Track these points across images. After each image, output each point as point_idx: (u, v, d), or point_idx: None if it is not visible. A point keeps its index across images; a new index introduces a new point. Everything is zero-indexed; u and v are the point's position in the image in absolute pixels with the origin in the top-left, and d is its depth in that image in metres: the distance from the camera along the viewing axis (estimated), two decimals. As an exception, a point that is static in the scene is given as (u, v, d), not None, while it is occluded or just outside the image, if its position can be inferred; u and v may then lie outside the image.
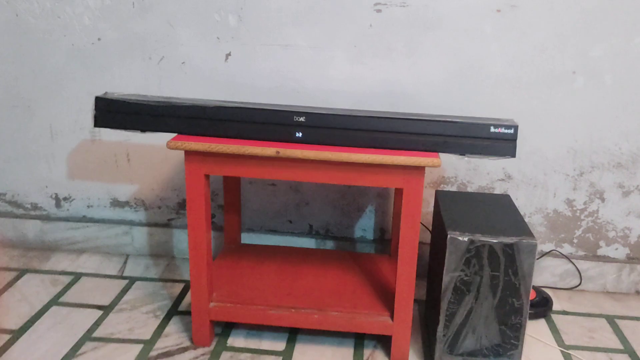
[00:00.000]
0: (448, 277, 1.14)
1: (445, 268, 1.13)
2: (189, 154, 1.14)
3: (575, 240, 1.55)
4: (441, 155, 1.48)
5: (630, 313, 1.48)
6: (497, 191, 1.53)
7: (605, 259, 1.55)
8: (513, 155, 1.10)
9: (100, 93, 1.55)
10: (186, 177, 1.16)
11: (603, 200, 1.51)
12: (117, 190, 1.65)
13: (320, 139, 1.14)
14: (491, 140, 1.10)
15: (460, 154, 1.12)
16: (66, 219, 1.68)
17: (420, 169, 1.11)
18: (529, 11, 1.38)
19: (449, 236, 1.11)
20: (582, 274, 1.56)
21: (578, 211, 1.52)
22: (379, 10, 1.41)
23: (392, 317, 1.24)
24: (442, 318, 1.17)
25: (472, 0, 1.38)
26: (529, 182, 1.51)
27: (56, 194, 1.67)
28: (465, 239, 1.10)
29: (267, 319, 1.26)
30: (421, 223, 1.53)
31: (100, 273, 1.59)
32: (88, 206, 1.67)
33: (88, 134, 1.60)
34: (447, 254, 1.12)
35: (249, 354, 1.27)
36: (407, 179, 1.12)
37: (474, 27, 1.40)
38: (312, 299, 1.30)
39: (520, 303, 1.14)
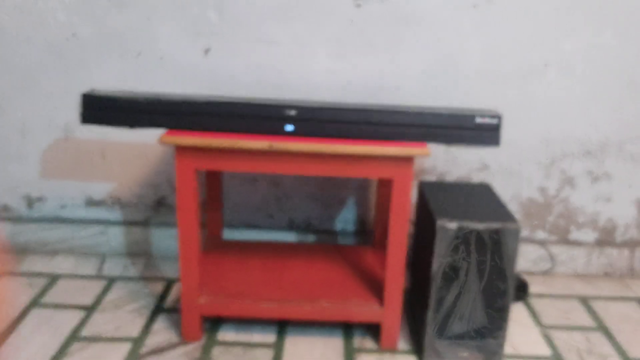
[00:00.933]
0: (437, 263, 1.17)
1: (434, 255, 1.16)
2: (180, 149, 1.14)
3: (547, 226, 1.62)
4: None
5: (601, 293, 1.56)
6: (474, 180, 1.58)
7: (576, 243, 1.63)
8: (497, 144, 1.14)
9: (76, 89, 1.51)
10: (177, 172, 1.16)
11: (573, 186, 1.58)
12: (92, 188, 1.62)
13: (311, 132, 1.15)
14: (476, 130, 1.14)
15: (447, 144, 1.15)
16: (38, 220, 1.64)
17: (409, 159, 1.14)
18: (504, 7, 1.43)
19: (437, 224, 1.14)
20: (554, 259, 1.63)
21: (550, 198, 1.59)
22: (358, 6, 1.43)
23: (381, 304, 1.27)
24: (431, 303, 1.20)
25: (449, -5, 1.43)
26: (504, 171, 1.57)
27: (28, 195, 1.62)
28: (454, 226, 1.14)
29: (258, 312, 1.27)
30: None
31: (77, 274, 1.56)
32: (61, 206, 1.63)
33: (61, 132, 1.56)
34: (436, 241, 1.15)
35: (240, 347, 1.28)
36: (397, 169, 1.14)
37: (452, 21, 1.44)
38: (302, 291, 1.31)
39: (505, 286, 1.18)
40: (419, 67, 1.48)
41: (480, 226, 1.14)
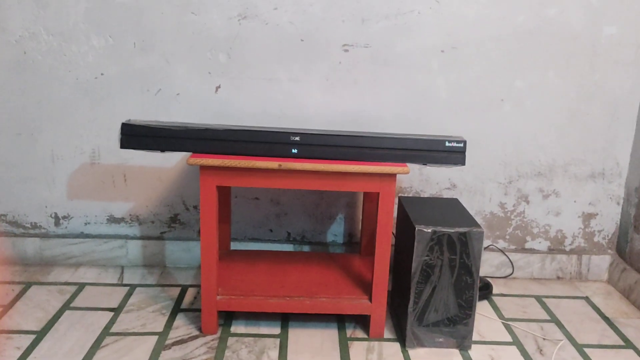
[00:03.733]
0: (416, 262, 1.43)
1: (414, 255, 1.42)
2: (204, 168, 1.38)
3: (507, 237, 1.89)
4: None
5: (553, 293, 1.83)
6: (445, 197, 1.84)
7: (531, 251, 1.90)
8: (463, 163, 1.42)
9: (101, 121, 1.75)
10: (201, 189, 1.40)
11: (528, 202, 1.86)
12: (114, 207, 1.84)
13: (312, 154, 1.41)
14: (446, 152, 1.42)
15: (423, 164, 1.42)
16: (64, 236, 1.85)
17: (392, 176, 1.40)
18: (466, 51, 1.72)
19: (416, 229, 1.40)
20: (513, 264, 1.90)
21: (509, 212, 1.87)
22: (346, 50, 1.71)
23: (370, 299, 1.51)
24: (412, 295, 1.45)
25: (422, 42, 1.71)
26: (470, 190, 1.84)
27: (55, 213, 1.84)
28: (429, 230, 1.40)
29: (266, 307, 1.50)
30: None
31: (101, 282, 1.77)
32: (85, 223, 1.85)
33: (88, 158, 1.79)
34: (415, 243, 1.41)
35: (251, 338, 1.50)
36: (383, 184, 1.41)
37: (423, 63, 1.73)
38: (302, 289, 1.55)
39: (472, 280, 1.44)
40: (396, 100, 1.75)
41: (451, 230, 1.40)
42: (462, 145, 1.42)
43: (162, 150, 1.41)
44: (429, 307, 1.46)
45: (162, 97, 1.74)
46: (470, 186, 1.84)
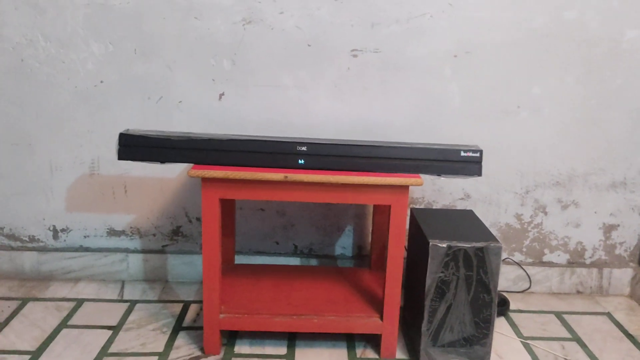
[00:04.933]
0: (430, 279, 1.35)
1: (428, 271, 1.34)
2: (205, 180, 1.31)
3: (524, 249, 1.81)
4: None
5: (574, 309, 1.74)
6: (459, 208, 1.77)
7: (550, 264, 1.82)
8: (479, 174, 1.34)
9: (101, 130, 1.69)
10: (202, 202, 1.33)
11: (546, 213, 1.78)
12: (114, 220, 1.77)
13: (320, 165, 1.34)
14: (462, 162, 1.34)
15: (437, 175, 1.34)
16: (63, 249, 1.78)
17: (405, 188, 1.33)
18: (480, 56, 1.65)
19: (430, 243, 1.32)
20: (531, 278, 1.81)
21: (525, 224, 1.79)
22: (355, 55, 1.64)
23: (381, 317, 1.43)
24: (426, 314, 1.37)
25: (434, 46, 1.64)
26: (484, 200, 1.76)
27: (54, 226, 1.77)
28: (444, 245, 1.32)
29: (272, 326, 1.42)
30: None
31: (100, 298, 1.70)
32: (85, 236, 1.78)
33: (87, 168, 1.73)
34: (429, 259, 1.33)
35: (255, 359, 1.42)
36: (395, 196, 1.33)
37: (436, 69, 1.65)
38: (310, 307, 1.47)
39: (490, 298, 1.36)
40: (408, 107, 1.68)
41: (467, 245, 1.32)
42: (478, 154, 1.34)
43: (162, 162, 1.34)
44: (443, 326, 1.38)
45: (164, 106, 1.68)
46: (485, 196, 1.76)
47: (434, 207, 1.76)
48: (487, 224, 1.78)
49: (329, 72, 1.65)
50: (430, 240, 1.33)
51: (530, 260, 1.82)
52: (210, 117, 1.68)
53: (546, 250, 1.81)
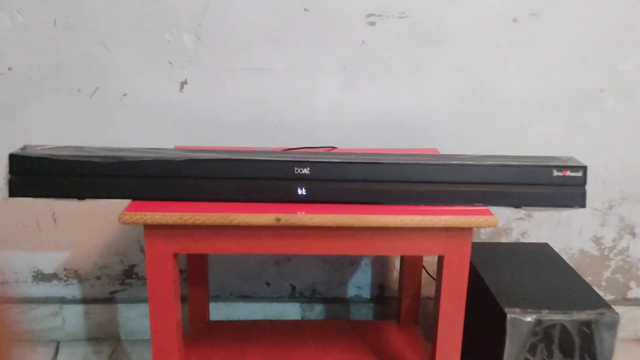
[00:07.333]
0: (506, 366, 0.87)
1: (504, 354, 0.86)
2: (150, 228, 0.82)
3: (603, 282, 1.36)
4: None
5: (674, 364, 1.29)
6: (515, 231, 1.31)
7: (637, 302, 1.37)
8: (583, 205, 0.86)
9: (11, 138, 1.19)
10: (147, 258, 0.84)
11: (634, 235, 1.32)
12: (41, 260, 1.31)
13: (329, 196, 0.85)
14: (554, 186, 0.86)
15: (516, 207, 0.86)
16: (-27, 301, 1.31)
17: (466, 230, 0.84)
18: (551, 20, 1.17)
19: (508, 316, 0.85)
20: (612, 321, 1.36)
21: (606, 249, 1.33)
22: (372, 23, 1.15)
23: (426, 415, 0.97)
24: (498, 417, 0.90)
25: (484, 8, 1.16)
26: (550, 220, 1.30)
27: (-42, 270, 1.29)
28: (530, 318, 0.85)
29: None
30: (425, 270, 1.26)
31: (24, 371, 1.23)
32: (2, 283, 1.30)
33: (-1, 190, 1.23)
34: (507, 340, 0.86)
35: None
36: (450, 243, 0.85)
37: (487, 40, 1.18)
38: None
39: (595, 391, 0.89)
40: (448, 98, 1.20)
41: (565, 317, 0.85)
42: (580, 173, 0.86)
43: (80, 199, 0.85)
44: None
45: (102, 100, 1.19)
46: (551, 215, 1.30)
47: (481, 230, 1.29)
48: (556, 250, 1.31)
49: (336, 47, 1.17)
50: (507, 311, 0.85)
51: (611, 297, 1.37)
52: (168, 116, 1.21)
53: (632, 284, 1.35)
